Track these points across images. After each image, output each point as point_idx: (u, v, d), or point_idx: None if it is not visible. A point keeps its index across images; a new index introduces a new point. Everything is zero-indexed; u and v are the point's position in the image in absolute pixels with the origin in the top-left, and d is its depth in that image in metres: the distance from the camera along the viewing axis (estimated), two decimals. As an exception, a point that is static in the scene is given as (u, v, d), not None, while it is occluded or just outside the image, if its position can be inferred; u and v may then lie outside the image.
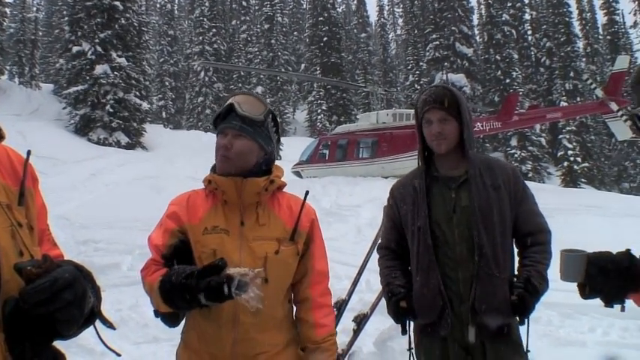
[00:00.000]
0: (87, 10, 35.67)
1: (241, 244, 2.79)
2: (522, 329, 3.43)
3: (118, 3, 36.26)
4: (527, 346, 3.42)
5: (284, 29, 71.49)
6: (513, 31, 56.09)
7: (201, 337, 2.82)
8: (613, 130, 28.08)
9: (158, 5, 77.18)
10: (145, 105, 38.40)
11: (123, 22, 36.60)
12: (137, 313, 7.89)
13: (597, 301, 2.63)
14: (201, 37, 64.29)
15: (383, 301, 4.27)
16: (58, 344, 1.82)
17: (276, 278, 2.80)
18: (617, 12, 63.89)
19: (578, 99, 52.12)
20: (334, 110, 58.75)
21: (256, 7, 71.32)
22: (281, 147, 21.97)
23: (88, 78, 35.25)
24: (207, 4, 65.10)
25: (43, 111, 36.88)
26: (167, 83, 68.35)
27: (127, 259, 10.87)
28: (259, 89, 58.30)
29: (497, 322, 3.29)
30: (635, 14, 60.48)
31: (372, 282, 7.38)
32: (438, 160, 3.51)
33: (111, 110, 35.32)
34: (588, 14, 68.15)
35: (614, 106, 25.39)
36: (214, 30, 64.90)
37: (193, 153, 29.37)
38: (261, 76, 63.08)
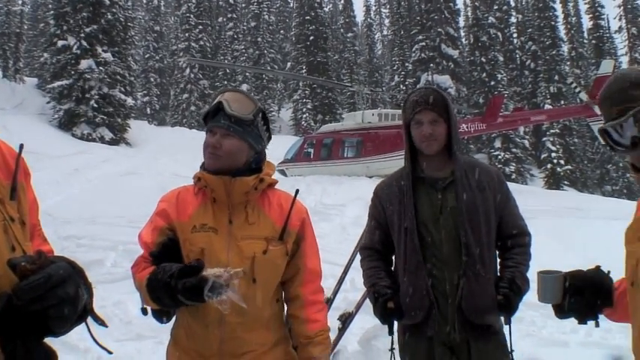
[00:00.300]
0: (73, 4, 35.40)
1: (229, 243, 2.78)
2: (506, 329, 3.48)
3: (104, -3, 36.10)
4: (511, 346, 3.46)
5: (270, 27, 71.48)
6: (499, 33, 56.32)
7: (189, 335, 2.81)
8: (597, 134, 28.25)
9: (144, 1, 76.71)
10: (130, 101, 38.19)
11: (109, 16, 36.37)
12: (121, 310, 7.86)
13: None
14: (187, 34, 63.96)
15: (368, 300, 4.29)
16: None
17: (264, 278, 2.80)
18: (603, 17, 64.39)
19: (563, 102, 52.34)
20: (319, 109, 58.76)
21: (243, 5, 71.27)
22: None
23: (72, 72, 35.00)
24: (193, 0, 64.82)
25: (26, 105, 36.56)
26: (152, 79, 67.95)
27: (110, 256, 10.80)
28: (244, 87, 58.06)
29: (483, 321, 3.34)
30: (620, 19, 61.08)
31: (357, 281, 7.39)
32: (424, 160, 3.53)
33: (95, 105, 35.08)
34: (574, 18, 68.51)
35: (597, 110, 25.37)
36: (200, 27, 64.57)
37: (177, 150, 29.30)
38: (247, 74, 63.02)
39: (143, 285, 2.61)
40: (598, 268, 2.71)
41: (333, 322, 6.08)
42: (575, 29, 66.83)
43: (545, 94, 54.23)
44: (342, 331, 5.95)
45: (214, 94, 3.00)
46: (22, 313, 1.62)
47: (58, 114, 35.23)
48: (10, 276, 1.65)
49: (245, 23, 68.61)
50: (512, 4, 64.60)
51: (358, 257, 3.85)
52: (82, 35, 35.22)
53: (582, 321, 2.68)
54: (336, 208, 16.81)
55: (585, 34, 69.30)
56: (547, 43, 57.38)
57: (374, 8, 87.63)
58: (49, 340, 1.81)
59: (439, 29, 52.25)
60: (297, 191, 3.03)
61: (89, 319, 1.85)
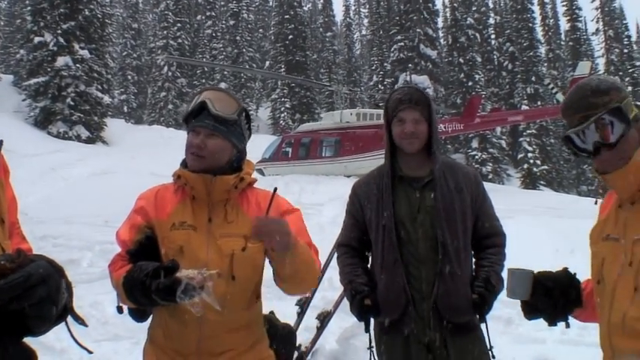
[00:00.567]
0: (50, 0, 35.11)
1: (208, 241, 2.76)
2: (482, 327, 3.52)
3: (82, -6, 35.81)
4: (489, 342, 3.51)
5: (249, 26, 71.23)
6: (477, 34, 56.68)
7: (166, 334, 2.79)
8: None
9: (123, -3, 76.32)
10: (107, 99, 37.90)
11: (86, 13, 36.08)
12: (97, 311, 7.80)
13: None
14: (165, 32, 63.57)
15: (346, 299, 4.30)
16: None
17: (243, 276, 2.78)
18: (580, 19, 65.09)
19: (539, 103, 52.74)
20: (298, 108, 58.72)
21: (222, 3, 70.89)
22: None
23: (49, 70, 34.68)
24: (172, -3, 64.52)
25: (2, 102, 36.17)
26: (129, 77, 67.55)
27: (86, 256, 10.71)
28: (223, 85, 57.64)
29: (459, 319, 3.37)
30: (597, 21, 61.70)
31: (335, 280, 7.34)
32: (403, 159, 3.55)
33: (72, 103, 34.78)
34: (551, 20, 69.10)
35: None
36: (179, 24, 64.20)
37: (155, 148, 29.17)
38: (225, 73, 62.83)
39: (119, 283, 2.59)
40: (565, 269, 2.77)
41: (311, 322, 6.11)
42: (552, 31, 67.42)
43: (522, 95, 54.70)
44: (320, 330, 5.95)
45: (194, 92, 3.00)
46: (1, 312, 1.61)
47: (33, 112, 34.93)
48: (-12, 275, 1.63)
49: (224, 21, 68.24)
50: (491, 5, 65.42)
51: (336, 256, 3.86)
52: (59, 32, 34.91)
53: (552, 322, 2.74)
54: (314, 207, 16.79)
55: (562, 36, 69.95)
56: (524, 44, 57.82)
57: (353, 8, 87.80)
58: (27, 340, 1.80)
59: (418, 30, 52.36)
60: (275, 189, 3.00)
61: (69, 319, 1.83)
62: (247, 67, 62.27)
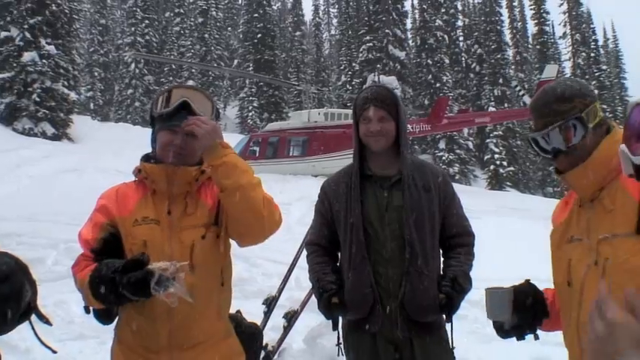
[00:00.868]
0: (17, -6, 34.64)
1: (171, 234, 2.78)
2: (448, 326, 3.55)
3: (49, -12, 35.35)
4: (452, 343, 3.53)
5: (218, 24, 70.96)
6: (446, 36, 56.93)
7: (135, 332, 2.77)
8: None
9: (90, -8, 75.58)
10: (73, 95, 37.40)
11: (54, 8, 35.55)
12: (62, 310, 7.71)
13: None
14: (133, 28, 63.16)
15: (313, 298, 4.30)
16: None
17: (205, 263, 2.79)
18: (548, 23, 65.72)
19: (506, 105, 53.28)
20: (266, 107, 58.55)
21: (191, 0, 70.48)
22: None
23: (15, 65, 34.11)
24: (141, -6, 64.05)
25: (-34, 98, 35.68)
26: (96, 74, 67.07)
27: (51, 254, 10.58)
28: (190, 84, 57.55)
29: (426, 318, 3.40)
30: (564, 25, 62.37)
31: (302, 279, 7.40)
32: (372, 158, 3.57)
33: (37, 99, 34.25)
34: (519, 23, 69.75)
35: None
36: (147, 21, 63.83)
37: (121, 146, 28.81)
38: (193, 70, 62.55)
39: (85, 283, 2.57)
40: (528, 281, 2.80)
41: (278, 321, 6.11)
42: (520, 34, 68.03)
43: (490, 97, 55.13)
44: (287, 329, 5.95)
45: (163, 89, 2.96)
46: None
47: (-2, 107, 34.40)
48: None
49: (192, 19, 67.85)
50: (460, 7, 65.80)
51: (303, 256, 3.86)
52: (26, 27, 34.35)
53: (521, 337, 2.77)
54: (282, 207, 16.54)
55: (530, 39, 70.53)
56: (492, 46, 58.22)
57: (322, 8, 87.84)
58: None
59: (387, 30, 52.49)
60: None
61: (33, 317, 1.82)
62: (215, 65, 62.10)
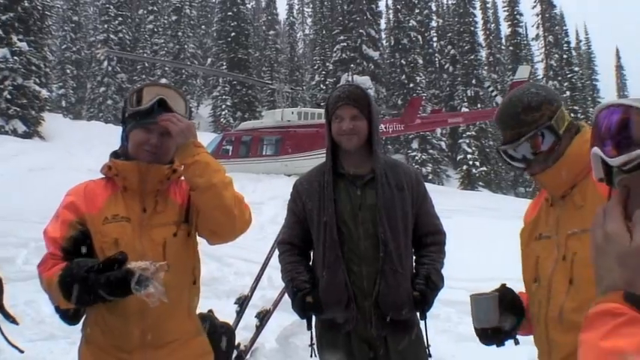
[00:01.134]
0: (-12, -10, 34.23)
1: (142, 232, 2.77)
2: (422, 324, 3.57)
3: (21, -16, 34.95)
4: (427, 341, 3.55)
5: (192, 22, 70.49)
6: (419, 36, 57.27)
7: (106, 332, 2.74)
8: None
9: (64, -12, 74.79)
10: (45, 93, 37.05)
11: (26, 4, 35.14)
12: (32, 309, 7.65)
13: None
14: (106, 25, 62.51)
15: (285, 298, 4.29)
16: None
17: (178, 261, 2.77)
18: (521, 24, 66.31)
19: (479, 105, 53.64)
20: (239, 106, 58.29)
21: (164, -2, 70.13)
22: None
23: (-15, 62, 33.84)
24: (114, -9, 63.48)
25: None
26: (68, 71, 66.30)
27: (21, 253, 10.47)
28: (163, 82, 57.19)
29: (400, 316, 3.41)
30: (537, 27, 62.85)
31: (275, 279, 7.40)
32: (345, 157, 3.56)
33: (8, 97, 33.89)
34: (493, 25, 70.13)
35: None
36: (120, 18, 63.21)
37: (93, 144, 28.58)
38: (166, 69, 62.09)
39: (54, 282, 2.52)
40: (504, 285, 2.78)
41: (250, 320, 6.10)
42: (493, 35, 68.41)
43: (463, 98, 55.51)
44: (259, 328, 5.94)
45: (136, 87, 2.94)
46: None
47: (-31, 105, 33.98)
48: None
49: (166, 17, 67.34)
50: (434, 8, 66.17)
51: (276, 255, 3.85)
52: (-3, 23, 34.07)
53: (502, 343, 2.73)
54: (254, 206, 16.51)
55: (503, 41, 71.10)
56: (466, 47, 58.65)
57: (296, 7, 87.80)
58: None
59: (361, 30, 52.61)
60: None
61: (0, 317, 1.79)
62: (189, 63, 61.72)
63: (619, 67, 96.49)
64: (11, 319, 1.80)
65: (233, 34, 60.71)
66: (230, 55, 60.12)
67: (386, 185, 3.46)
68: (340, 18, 55.82)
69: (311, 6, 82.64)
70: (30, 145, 30.29)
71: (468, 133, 51.58)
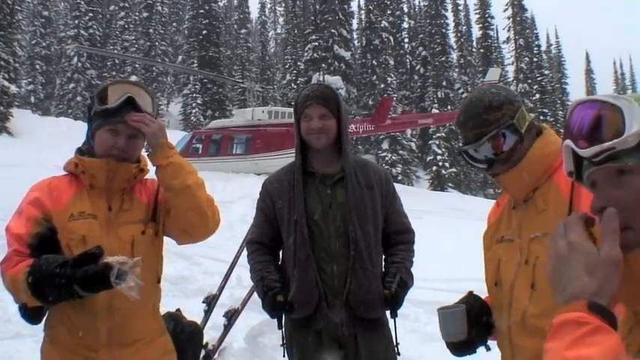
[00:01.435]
0: (-44, -16, 33.79)
1: (108, 229, 2.75)
2: (391, 323, 3.59)
3: (-11, -21, 34.57)
4: (396, 339, 3.56)
5: (163, 19, 70.00)
6: (391, 38, 57.46)
7: (72, 331, 2.70)
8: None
9: (34, -17, 73.90)
10: (14, 88, 36.76)
11: (-5, -1, 34.92)
12: (-1, 308, 7.56)
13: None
14: (76, 21, 61.81)
15: (254, 297, 4.27)
16: None
17: (145, 260, 2.69)
18: (492, 27, 66.75)
19: (449, 107, 53.93)
20: (209, 105, 58.01)
21: (136, -6, 69.61)
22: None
23: (-47, 56, 33.41)
24: (85, -14, 62.85)
25: None
26: (38, 67, 65.59)
27: (-13, 251, 10.38)
28: (133, 79, 56.74)
29: (370, 315, 3.42)
30: (508, 30, 63.27)
31: (243, 278, 7.38)
32: (314, 156, 3.56)
33: (-24, 92, 33.62)
34: (464, 27, 70.65)
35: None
36: (91, 14, 62.57)
37: (62, 141, 28.31)
38: (136, 66, 61.69)
39: (20, 280, 2.49)
40: (471, 293, 2.76)
41: (218, 319, 6.07)
42: (464, 37, 68.88)
43: (433, 99, 55.83)
44: (227, 327, 5.92)
45: (104, 84, 2.90)
46: None
47: None
48: None
49: (137, 13, 66.79)
50: (405, 9, 66.46)
51: (244, 254, 3.84)
52: (-34, 17, 33.65)
53: (473, 350, 2.68)
54: (224, 204, 16.62)
55: (474, 43, 71.49)
56: (437, 49, 59.03)
57: (269, 6, 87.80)
58: None
59: (333, 30, 52.70)
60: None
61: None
62: (159, 60, 61.35)
63: (589, 71, 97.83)
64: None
65: (204, 32, 60.39)
66: (201, 53, 59.79)
67: (356, 184, 3.46)
68: (312, 17, 55.93)
69: (283, 5, 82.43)
70: (-2, 141, 30.00)
71: (438, 134, 51.88)
